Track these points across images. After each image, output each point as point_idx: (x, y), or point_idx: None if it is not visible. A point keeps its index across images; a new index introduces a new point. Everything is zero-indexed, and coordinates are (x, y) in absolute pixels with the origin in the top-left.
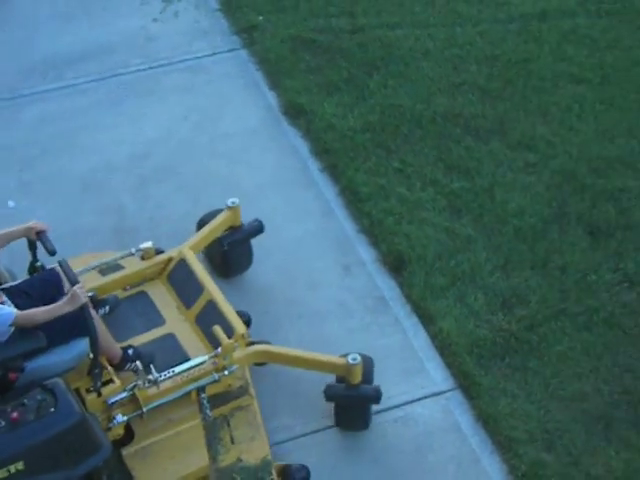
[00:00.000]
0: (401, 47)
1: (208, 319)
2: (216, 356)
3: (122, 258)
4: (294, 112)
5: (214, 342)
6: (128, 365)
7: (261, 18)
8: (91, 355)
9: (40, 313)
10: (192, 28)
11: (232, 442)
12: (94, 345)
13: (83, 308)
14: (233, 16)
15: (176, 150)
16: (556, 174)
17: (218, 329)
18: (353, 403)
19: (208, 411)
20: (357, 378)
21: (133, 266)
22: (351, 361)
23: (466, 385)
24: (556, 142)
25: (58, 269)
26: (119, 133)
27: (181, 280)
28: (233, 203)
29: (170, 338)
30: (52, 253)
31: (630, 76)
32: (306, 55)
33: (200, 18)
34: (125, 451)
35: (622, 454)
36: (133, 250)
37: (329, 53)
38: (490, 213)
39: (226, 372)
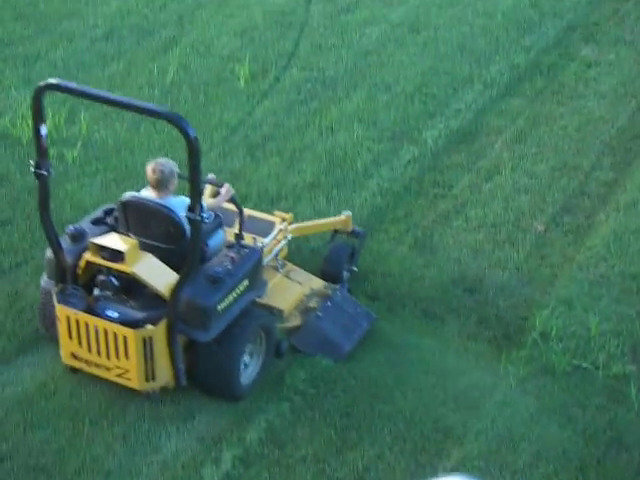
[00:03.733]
0: None
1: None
2: (281, 230)
3: None
4: None
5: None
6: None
7: None
8: (237, 231)
9: (218, 201)
10: None
11: (300, 284)
12: (242, 223)
13: (233, 198)
14: None
15: None
16: None
17: (278, 212)
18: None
19: (281, 269)
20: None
21: None
22: (347, 215)
23: None
24: None
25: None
26: None
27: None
28: None
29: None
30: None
31: None
32: None
33: None
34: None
35: None
36: None
37: None
38: None
39: (289, 237)
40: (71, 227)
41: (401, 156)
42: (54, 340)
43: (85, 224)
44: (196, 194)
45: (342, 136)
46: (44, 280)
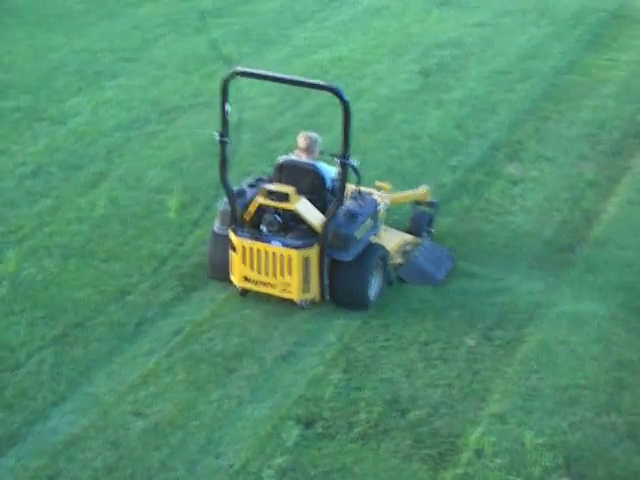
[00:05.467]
0: None
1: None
2: (380, 196)
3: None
4: None
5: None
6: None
7: None
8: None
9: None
10: None
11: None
12: (359, 183)
13: (354, 166)
14: None
15: None
16: None
17: (378, 182)
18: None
19: (382, 226)
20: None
21: None
22: (426, 188)
23: None
24: None
25: None
26: None
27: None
28: None
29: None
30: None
31: None
32: None
33: None
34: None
35: None
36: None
37: None
38: None
39: (387, 202)
40: (236, 188)
41: None
42: (220, 280)
43: (244, 186)
44: (347, 144)
45: None
46: (217, 227)
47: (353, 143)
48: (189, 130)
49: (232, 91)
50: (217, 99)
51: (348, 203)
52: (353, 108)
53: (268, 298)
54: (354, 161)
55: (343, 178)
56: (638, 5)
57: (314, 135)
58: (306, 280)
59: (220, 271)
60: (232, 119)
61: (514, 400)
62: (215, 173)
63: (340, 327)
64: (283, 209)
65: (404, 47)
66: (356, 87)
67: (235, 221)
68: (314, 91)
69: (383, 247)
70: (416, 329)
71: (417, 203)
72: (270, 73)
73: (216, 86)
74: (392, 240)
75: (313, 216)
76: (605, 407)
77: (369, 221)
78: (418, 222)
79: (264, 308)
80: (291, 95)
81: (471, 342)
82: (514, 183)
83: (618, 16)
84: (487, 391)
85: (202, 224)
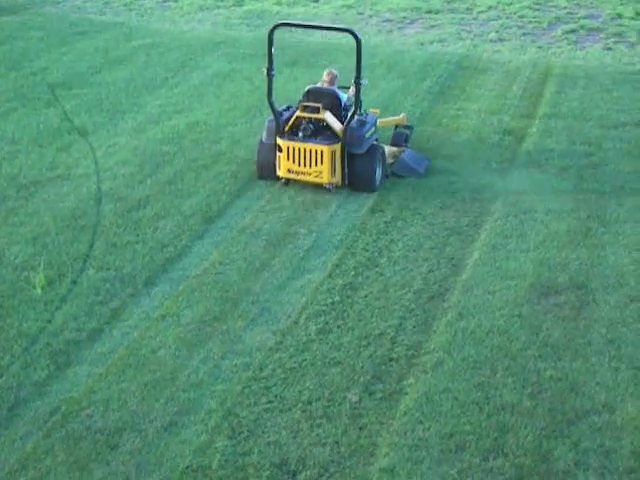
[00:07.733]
0: None
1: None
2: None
3: None
4: None
5: None
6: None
7: None
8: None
9: (350, 92)
10: None
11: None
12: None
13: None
14: None
15: None
16: None
17: (370, 109)
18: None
19: None
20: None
21: None
22: (404, 114)
23: None
24: None
25: None
26: None
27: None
28: None
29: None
30: None
31: None
32: None
33: None
34: None
35: None
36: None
37: None
38: None
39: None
40: (277, 109)
41: (207, 347)
42: (265, 179)
43: (280, 110)
44: (359, 69)
45: (145, 334)
46: (265, 138)
47: (216, 207)
48: (49, 204)
49: (88, 163)
50: (74, 172)
51: (357, 116)
52: (211, 173)
53: (148, 368)
54: (365, 81)
55: (357, 93)
56: (480, 56)
57: (335, 71)
58: (333, 168)
59: (267, 171)
60: (91, 190)
61: (402, 452)
62: (79, 246)
63: (221, 393)
64: (315, 119)
65: (258, 108)
66: (213, 151)
67: (279, 131)
68: (174, 159)
69: (383, 147)
70: (297, 389)
71: (397, 126)
72: (303, 22)
73: (72, 159)
74: (385, 148)
75: (335, 123)
76: (491, 451)
77: (373, 129)
78: (398, 138)
79: (142, 380)
80: (150, 163)
81: (354, 397)
82: (379, 235)
83: (463, 67)
84: (375, 445)
85: (70, 300)
